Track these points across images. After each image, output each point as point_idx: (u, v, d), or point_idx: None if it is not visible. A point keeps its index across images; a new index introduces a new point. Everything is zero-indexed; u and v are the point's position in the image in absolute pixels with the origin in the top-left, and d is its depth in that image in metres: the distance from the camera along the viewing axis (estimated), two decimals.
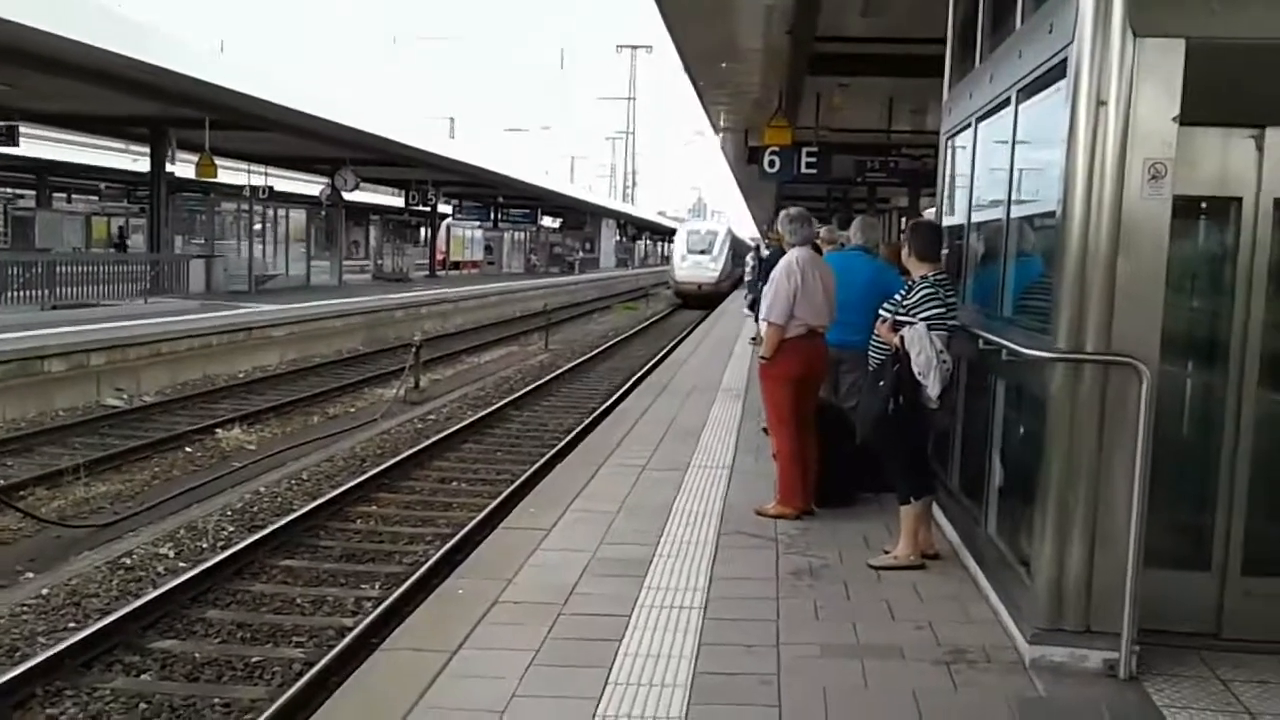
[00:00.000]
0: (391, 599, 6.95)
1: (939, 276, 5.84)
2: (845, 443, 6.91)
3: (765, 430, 8.75)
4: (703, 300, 38.09)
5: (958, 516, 6.21)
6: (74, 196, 51.26)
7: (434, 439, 12.30)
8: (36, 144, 31.71)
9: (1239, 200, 4.55)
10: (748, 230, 73.11)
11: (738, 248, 46.19)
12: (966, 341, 5.74)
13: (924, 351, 5.54)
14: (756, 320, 9.08)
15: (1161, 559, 4.59)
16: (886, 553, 5.91)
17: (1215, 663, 4.47)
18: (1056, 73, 4.51)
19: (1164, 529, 4.67)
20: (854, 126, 18.40)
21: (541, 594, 5.19)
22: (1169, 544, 4.77)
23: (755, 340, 7.33)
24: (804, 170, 16.64)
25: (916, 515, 5.84)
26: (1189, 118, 4.23)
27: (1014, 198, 5.38)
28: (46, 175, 41.59)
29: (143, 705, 5.65)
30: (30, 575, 7.81)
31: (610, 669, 4.32)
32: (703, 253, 41.66)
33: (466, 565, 5.78)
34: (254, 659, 6.26)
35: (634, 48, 52.99)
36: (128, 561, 7.91)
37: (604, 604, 5.07)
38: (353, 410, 15.44)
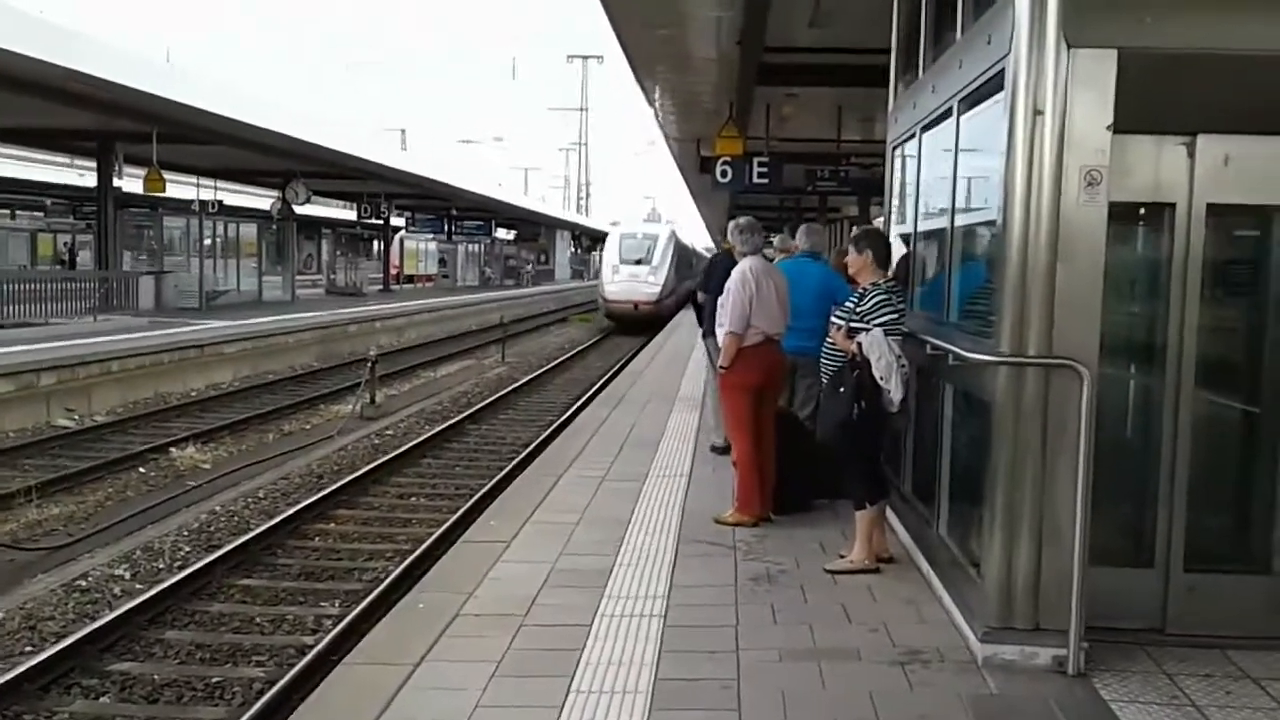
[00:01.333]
0: (351, 616, 6.94)
1: (890, 283, 5.95)
2: (802, 450, 7.03)
3: (715, 449, 8.89)
4: (640, 323, 30.84)
5: (911, 520, 6.33)
6: (18, 213, 50.37)
7: (391, 454, 12.26)
8: None
9: (1172, 206, 4.70)
10: (701, 238, 73.13)
11: (685, 257, 39.35)
12: (916, 347, 5.86)
13: (884, 356, 5.64)
14: (704, 335, 9.08)
15: (1107, 557, 4.73)
16: (842, 557, 6.00)
17: (1161, 658, 4.59)
18: (995, 83, 4.64)
19: (1109, 527, 4.81)
20: (804, 136, 18.59)
21: (502, 606, 5.23)
22: (1114, 542, 4.91)
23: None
24: (755, 180, 16.78)
25: (871, 519, 5.93)
26: (1123, 126, 4.37)
27: (958, 206, 5.51)
28: None
29: None
30: None
31: (572, 678, 4.36)
32: (639, 263, 33.59)
33: (427, 579, 5.80)
34: (214, 679, 6.22)
35: (585, 58, 52.99)
36: (83, 584, 7.83)
37: (565, 614, 5.12)
38: (308, 427, 15.35)
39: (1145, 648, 4.67)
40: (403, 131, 60.42)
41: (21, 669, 6.01)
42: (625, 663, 4.53)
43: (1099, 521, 4.49)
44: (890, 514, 6.48)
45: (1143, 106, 4.36)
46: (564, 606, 5.23)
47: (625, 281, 33.16)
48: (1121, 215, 4.57)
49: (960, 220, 5.52)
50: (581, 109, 54.63)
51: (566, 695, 4.20)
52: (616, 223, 44.79)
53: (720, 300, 6.98)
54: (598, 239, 76.38)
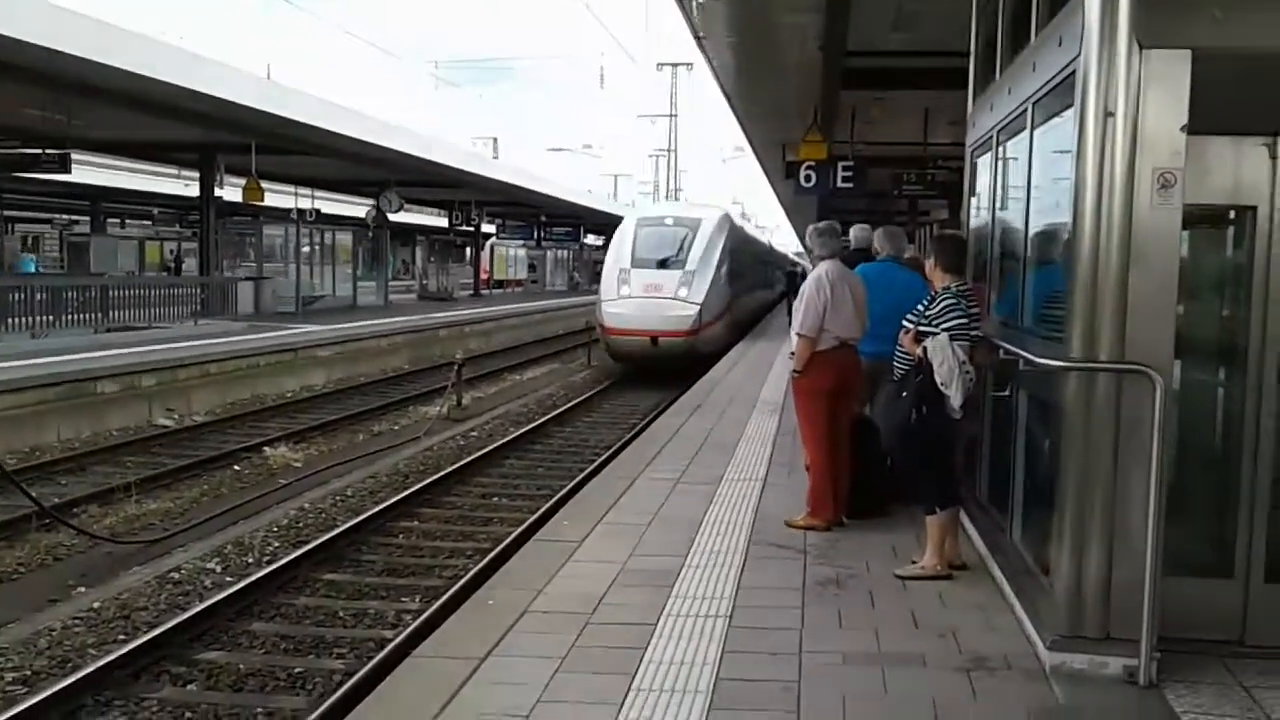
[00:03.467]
0: (429, 612, 7.10)
1: (961, 287, 5.90)
2: (876, 454, 6.99)
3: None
4: (663, 368, 19.35)
5: (985, 526, 6.25)
6: (128, 222, 52.45)
7: (475, 455, 12.48)
8: (90, 171, 32.52)
9: (1254, 209, 4.58)
10: (790, 243, 72.34)
11: (748, 259, 27.42)
12: (990, 352, 5.80)
13: (946, 362, 5.59)
14: None
15: (1184, 566, 4.64)
16: (914, 563, 5.96)
17: (1239, 670, 4.48)
18: (1068, 85, 4.58)
19: (1186, 536, 4.71)
20: (890, 139, 18.42)
21: (570, 604, 5.31)
22: (1191, 551, 4.81)
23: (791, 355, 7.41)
24: (840, 184, 16.70)
25: (942, 525, 5.88)
26: (1199, 127, 4.29)
27: (1032, 209, 5.44)
28: (100, 201, 42.63)
29: (188, 715, 5.83)
30: (82, 590, 8.06)
31: (634, 676, 4.42)
32: (664, 264, 20.58)
33: (499, 576, 5.91)
34: (297, 670, 6.42)
35: (674, 65, 53.00)
36: (176, 576, 8.14)
37: (631, 613, 5.18)
38: (396, 428, 15.68)
39: (1222, 659, 4.56)
40: (494, 140, 61.28)
41: (114, 656, 6.28)
42: (688, 662, 4.57)
43: (1175, 530, 4.41)
44: (965, 520, 6.41)
45: (1220, 107, 4.28)
46: (630, 605, 5.29)
47: (638, 299, 19.77)
48: (1197, 218, 4.48)
49: (1034, 224, 5.46)
50: (670, 115, 54.69)
51: (627, 693, 4.26)
52: (633, 205, 32.59)
53: (795, 304, 6.99)
54: None
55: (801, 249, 59.92)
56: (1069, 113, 4.60)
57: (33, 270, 32.09)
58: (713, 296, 20.21)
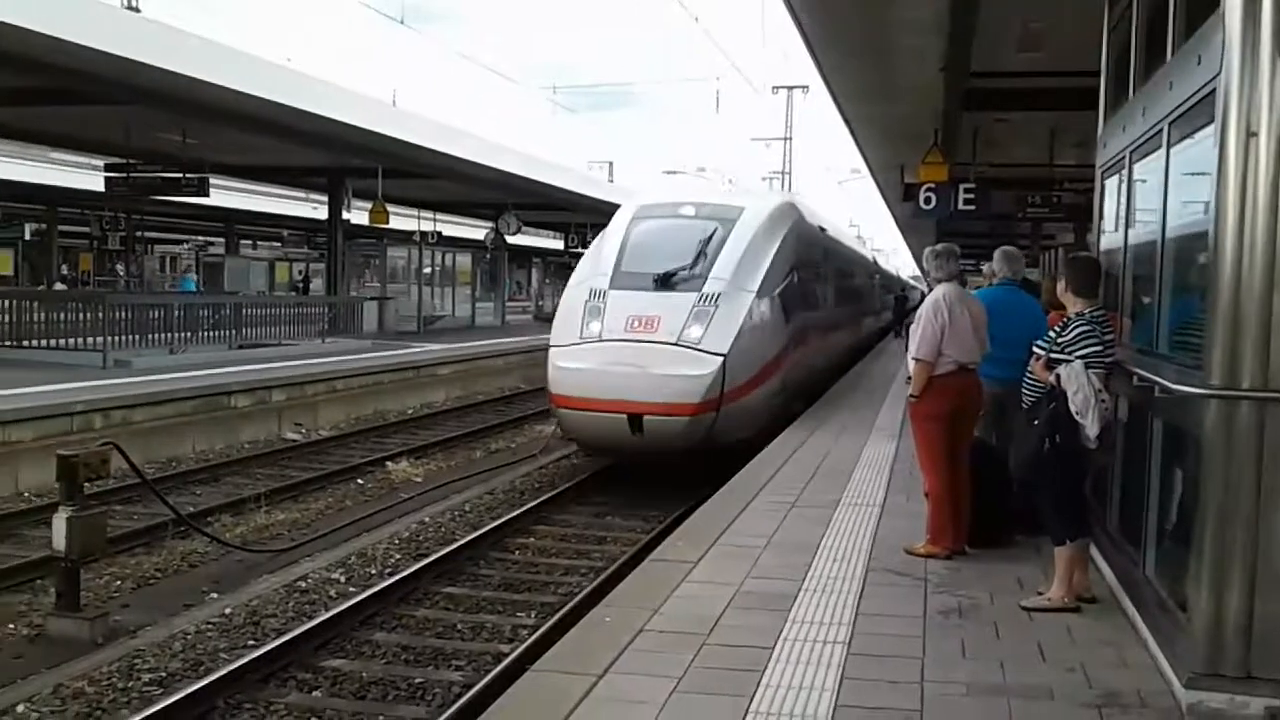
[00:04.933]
0: (545, 627, 7.18)
1: (1096, 313, 5.74)
2: (1000, 483, 6.83)
3: None
4: (656, 460, 11.39)
5: (1116, 559, 6.05)
6: (259, 243, 54.61)
7: (589, 474, 12.58)
8: (225, 194, 34.00)
9: None
10: (905, 265, 71.15)
11: (832, 275, 18.76)
12: (1123, 379, 5.63)
13: (1081, 390, 5.44)
14: None
15: None
16: (1040, 594, 5.80)
17: None
18: (1207, 104, 4.43)
19: None
20: (1014, 161, 18.06)
21: (686, 624, 5.32)
22: None
23: (908, 380, 7.30)
24: (961, 207, 16.40)
25: (1071, 557, 5.71)
26: None
27: (1168, 232, 5.27)
28: (234, 223, 44.53)
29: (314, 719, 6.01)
30: (215, 595, 8.39)
31: (751, 699, 4.40)
32: (667, 284, 11.74)
33: (615, 595, 5.95)
34: (416, 680, 6.56)
35: (790, 88, 52.87)
36: (303, 585, 8.40)
37: (748, 635, 5.16)
38: (513, 445, 15.92)
39: None
40: (610, 163, 61.90)
41: (245, 660, 6.52)
42: (806, 687, 4.54)
43: None
44: (1095, 552, 6.21)
45: None
46: (747, 628, 5.27)
47: (614, 344, 11.26)
48: None
49: (1170, 248, 5.28)
50: (785, 139, 54.52)
51: (745, 716, 4.24)
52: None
53: (911, 328, 6.90)
54: None
55: (919, 271, 58.75)
56: (1208, 133, 4.46)
57: (193, 288, 33.60)
58: (752, 342, 11.44)
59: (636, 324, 11.19)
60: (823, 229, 18.08)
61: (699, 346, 11.00)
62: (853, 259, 24.71)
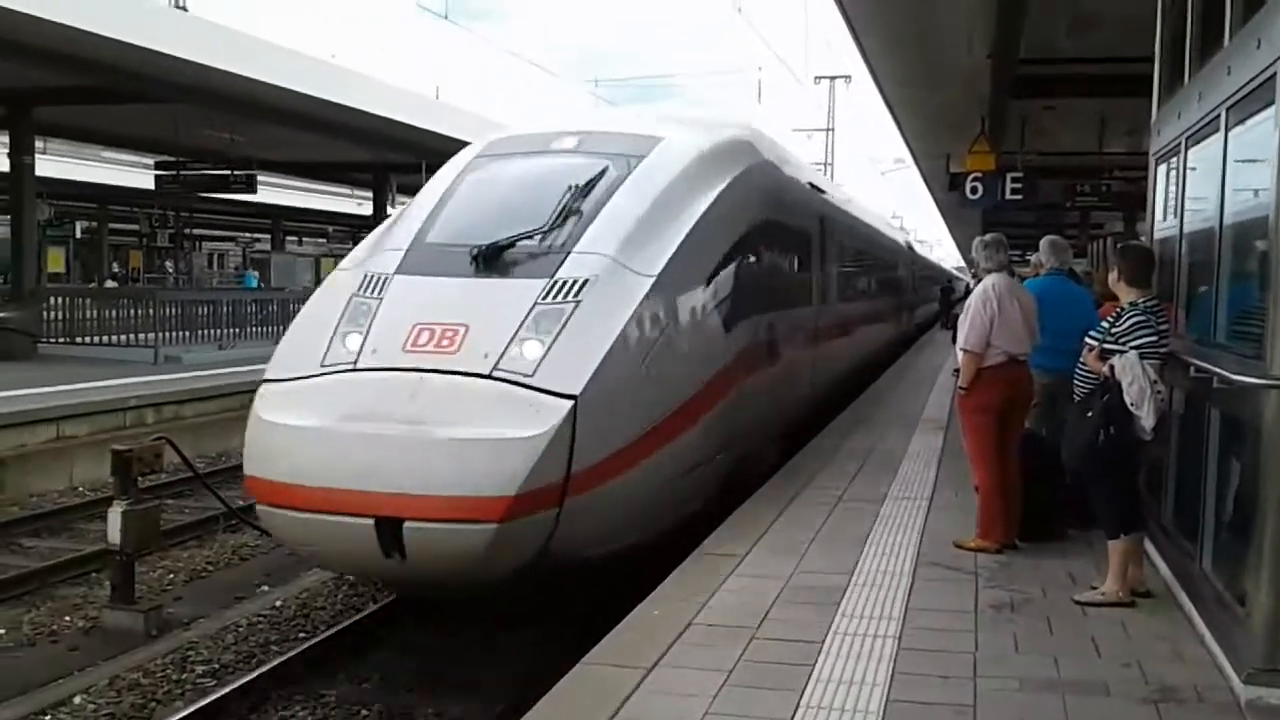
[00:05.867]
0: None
1: (1149, 303, 5.63)
2: (1052, 476, 6.73)
3: None
4: (437, 589, 6.62)
5: (1171, 553, 5.94)
6: (305, 239, 55.17)
7: None
8: (271, 191, 34.39)
9: None
10: (951, 257, 70.46)
11: (825, 256, 12.08)
12: (1178, 369, 5.52)
13: (1137, 381, 5.34)
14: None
15: None
16: (1094, 589, 5.71)
17: None
18: (1266, 89, 4.33)
19: None
20: (1062, 149, 17.84)
21: (735, 617, 5.29)
22: None
23: (956, 372, 7.20)
24: (1009, 196, 16.19)
25: (1126, 551, 5.62)
26: None
27: (1225, 220, 5.17)
28: (280, 220, 45.04)
29: (363, 712, 6.06)
30: (266, 588, 8.49)
31: (802, 693, 4.37)
32: (501, 264, 6.69)
33: (662, 588, 5.92)
34: (464, 675, 6.58)
35: (832, 78, 52.39)
36: (351, 578, 8.47)
37: (797, 629, 5.13)
38: None
39: None
40: None
41: (296, 652, 6.60)
42: (857, 682, 4.50)
43: None
44: (1149, 546, 6.11)
45: None
46: (796, 622, 5.24)
47: (375, 381, 6.10)
48: None
49: (1228, 235, 5.17)
50: (827, 129, 54.12)
51: (795, 710, 4.21)
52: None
53: (960, 319, 6.82)
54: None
55: (963, 263, 58.06)
56: (1267, 116, 4.36)
57: (255, 285, 34.07)
58: (642, 372, 6.58)
59: (425, 338, 6.21)
60: (815, 187, 12.49)
61: (530, 381, 5.97)
62: (871, 238, 18.26)
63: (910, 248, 29.21)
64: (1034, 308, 6.79)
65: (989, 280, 6.76)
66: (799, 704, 4.27)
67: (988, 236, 7.10)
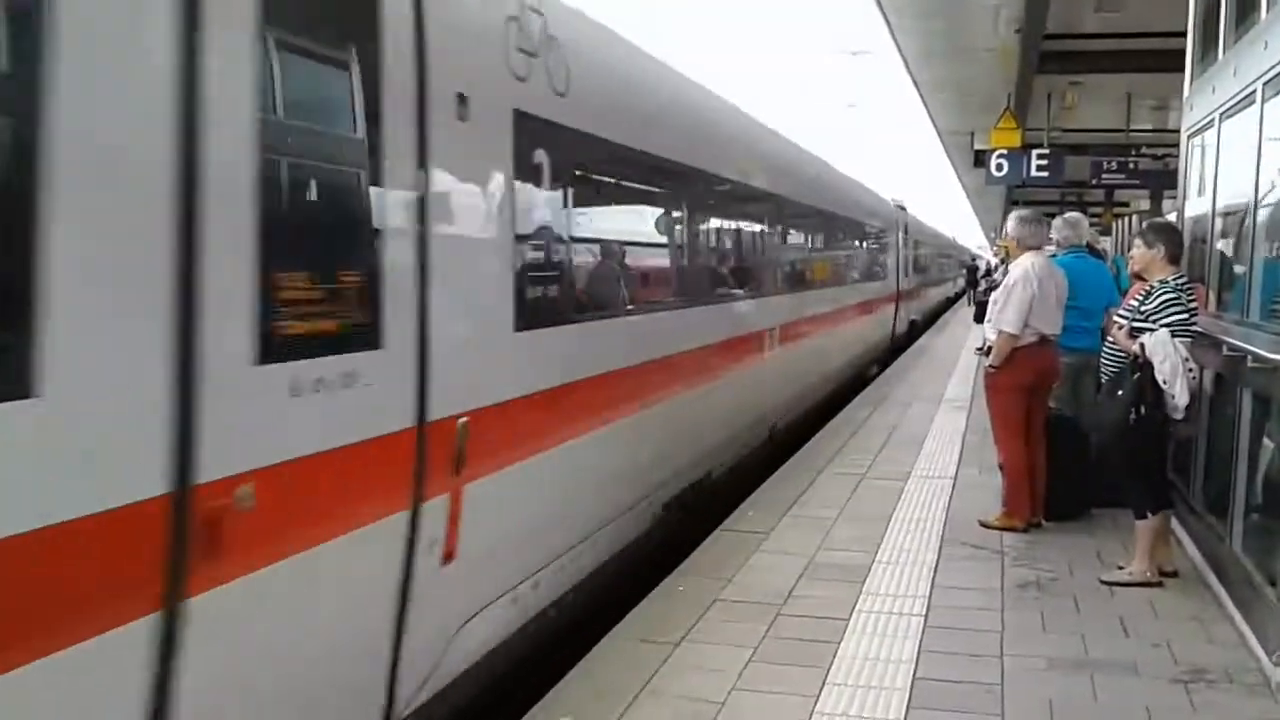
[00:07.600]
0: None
1: (1179, 280, 5.57)
2: (1077, 454, 6.70)
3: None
4: None
5: (1200, 533, 5.90)
6: None
7: None
8: None
9: None
10: (974, 237, 70.14)
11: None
12: (1209, 348, 5.47)
13: (1169, 359, 5.29)
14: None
15: None
16: (1120, 568, 5.68)
17: None
18: None
19: None
20: (1089, 126, 17.63)
21: (760, 594, 5.29)
22: None
23: (980, 350, 7.13)
24: (1034, 174, 16.03)
25: (1153, 530, 5.58)
26: None
27: (1260, 197, 5.10)
28: None
29: None
30: None
31: (828, 669, 4.37)
32: None
33: (687, 564, 5.93)
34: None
35: (854, 53, 51.91)
36: None
37: (822, 606, 5.12)
38: None
39: None
40: None
41: None
42: (883, 659, 4.49)
43: None
44: (1177, 526, 6.07)
45: None
46: (822, 599, 5.23)
47: None
48: None
49: (1264, 212, 5.11)
50: (849, 106, 53.80)
51: (822, 686, 4.21)
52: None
53: (994, 296, 6.75)
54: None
55: (984, 242, 57.58)
56: None
57: None
58: None
59: None
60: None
61: None
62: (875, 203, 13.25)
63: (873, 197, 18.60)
64: (1066, 288, 6.71)
65: (1027, 260, 6.62)
66: (825, 680, 4.27)
67: (1025, 212, 7.01)
